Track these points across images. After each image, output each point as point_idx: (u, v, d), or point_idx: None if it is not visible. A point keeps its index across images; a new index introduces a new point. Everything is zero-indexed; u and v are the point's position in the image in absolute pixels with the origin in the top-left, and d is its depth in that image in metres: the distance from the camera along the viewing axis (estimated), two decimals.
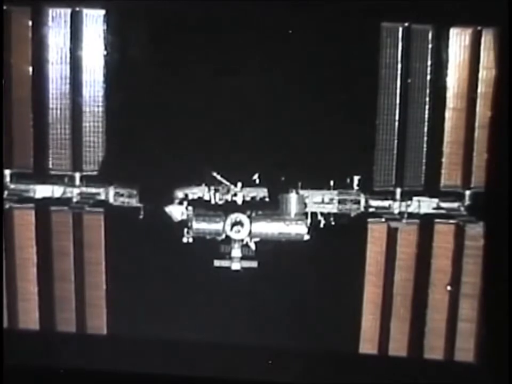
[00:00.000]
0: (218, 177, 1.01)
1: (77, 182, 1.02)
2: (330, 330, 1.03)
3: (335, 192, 1.01)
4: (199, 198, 1.02)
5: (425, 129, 0.99)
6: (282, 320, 1.04)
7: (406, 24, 0.97)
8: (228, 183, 1.01)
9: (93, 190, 1.03)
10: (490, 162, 0.98)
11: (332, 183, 1.01)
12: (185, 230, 1.01)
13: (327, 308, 1.03)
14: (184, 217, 1.01)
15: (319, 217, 1.02)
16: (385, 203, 1.02)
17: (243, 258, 1.02)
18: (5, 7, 0.97)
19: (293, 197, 1.01)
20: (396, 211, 1.01)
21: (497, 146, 0.97)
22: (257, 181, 1.01)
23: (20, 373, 1.00)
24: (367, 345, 1.03)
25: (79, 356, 1.05)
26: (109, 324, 1.05)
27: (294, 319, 1.04)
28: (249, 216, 1.01)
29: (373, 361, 1.03)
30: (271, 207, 1.02)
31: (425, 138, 0.99)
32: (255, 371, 1.04)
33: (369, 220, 1.01)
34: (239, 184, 1.01)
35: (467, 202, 1.00)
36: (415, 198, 1.01)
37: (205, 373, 1.03)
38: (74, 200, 1.03)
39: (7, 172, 1.02)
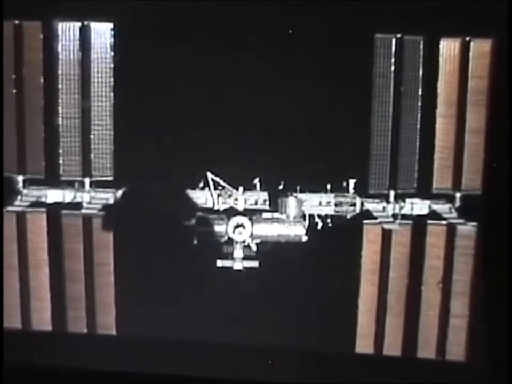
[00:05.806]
0: (221, 182, 1.02)
1: (87, 187, 1.04)
2: (328, 327, 1.04)
3: (332, 195, 1.03)
4: (203, 201, 1.04)
5: (418, 134, 1.00)
6: (281, 319, 1.05)
7: (399, 35, 0.99)
8: (230, 188, 1.03)
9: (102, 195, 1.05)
10: (481, 166, 1.00)
11: (328, 186, 1.03)
12: (190, 232, 1.03)
13: (324, 306, 1.04)
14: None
15: (317, 219, 1.04)
16: (380, 205, 1.03)
17: (245, 258, 1.04)
18: (17, 22, 1.00)
19: (291, 200, 1.03)
20: (390, 213, 1.03)
21: (488, 150, 0.99)
22: (258, 186, 1.03)
23: (20, 373, 1.02)
24: (364, 341, 1.05)
25: (89, 353, 1.06)
26: (118, 322, 1.07)
27: (293, 317, 1.05)
28: (250, 219, 1.03)
29: (369, 358, 1.05)
30: (271, 210, 1.04)
31: (418, 143, 1.00)
32: (255, 371, 1.05)
33: (365, 221, 1.03)
34: (241, 189, 1.03)
35: (458, 204, 1.02)
36: (408, 200, 1.02)
37: (205, 373, 1.04)
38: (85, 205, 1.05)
39: (20, 178, 1.04)
